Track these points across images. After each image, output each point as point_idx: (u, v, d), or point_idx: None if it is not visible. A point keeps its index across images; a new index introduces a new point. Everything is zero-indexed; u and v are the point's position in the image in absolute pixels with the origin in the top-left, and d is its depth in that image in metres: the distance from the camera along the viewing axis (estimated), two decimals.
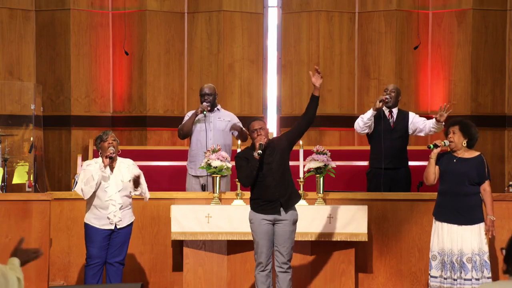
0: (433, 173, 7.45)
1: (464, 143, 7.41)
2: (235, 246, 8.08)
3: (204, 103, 8.90)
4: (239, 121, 9.08)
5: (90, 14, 11.26)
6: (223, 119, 9.02)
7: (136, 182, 7.41)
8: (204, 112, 8.84)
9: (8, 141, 10.09)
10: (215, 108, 9.04)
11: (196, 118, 8.92)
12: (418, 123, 8.88)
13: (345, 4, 11.35)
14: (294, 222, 7.21)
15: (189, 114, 9.09)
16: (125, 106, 11.35)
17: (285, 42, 11.43)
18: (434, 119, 8.68)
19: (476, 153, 7.44)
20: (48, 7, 11.23)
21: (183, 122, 9.05)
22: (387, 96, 8.83)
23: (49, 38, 11.23)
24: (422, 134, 8.98)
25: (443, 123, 8.56)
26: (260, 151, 7.01)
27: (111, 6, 11.36)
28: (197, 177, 8.90)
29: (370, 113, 8.71)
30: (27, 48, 11.22)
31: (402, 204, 8.30)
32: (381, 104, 8.71)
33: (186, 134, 9.03)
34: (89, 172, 7.41)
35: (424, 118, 8.94)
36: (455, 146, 7.41)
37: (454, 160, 7.41)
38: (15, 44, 11.16)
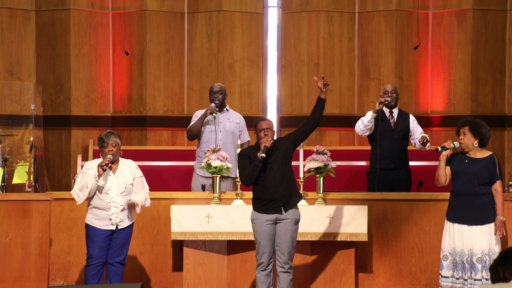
0: (443, 175, 7.42)
1: (476, 144, 7.34)
2: (235, 246, 8.07)
3: (213, 104, 8.83)
4: (245, 124, 9.05)
5: (90, 14, 11.25)
6: (232, 121, 8.96)
7: (131, 207, 7.47)
8: (213, 114, 8.80)
9: (8, 141, 10.09)
10: (224, 109, 9.00)
11: (205, 120, 8.88)
12: (415, 134, 8.91)
13: (345, 4, 11.34)
14: (296, 221, 7.20)
15: (197, 114, 8.99)
16: (125, 106, 11.35)
17: (285, 42, 11.42)
18: (418, 140, 8.75)
19: (488, 153, 7.39)
20: (48, 7, 11.22)
21: (191, 123, 8.98)
22: (388, 98, 8.85)
23: (49, 38, 11.23)
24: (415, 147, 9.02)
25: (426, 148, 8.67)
26: (263, 155, 7.02)
27: (111, 6, 11.35)
28: (205, 177, 8.81)
29: (370, 115, 8.71)
30: (27, 48, 11.22)
31: (402, 204, 8.30)
32: (380, 106, 8.73)
33: (195, 136, 8.94)
34: (85, 178, 7.39)
35: (421, 130, 8.95)
36: (466, 147, 7.36)
37: (466, 161, 7.37)
38: (15, 44, 11.16)
